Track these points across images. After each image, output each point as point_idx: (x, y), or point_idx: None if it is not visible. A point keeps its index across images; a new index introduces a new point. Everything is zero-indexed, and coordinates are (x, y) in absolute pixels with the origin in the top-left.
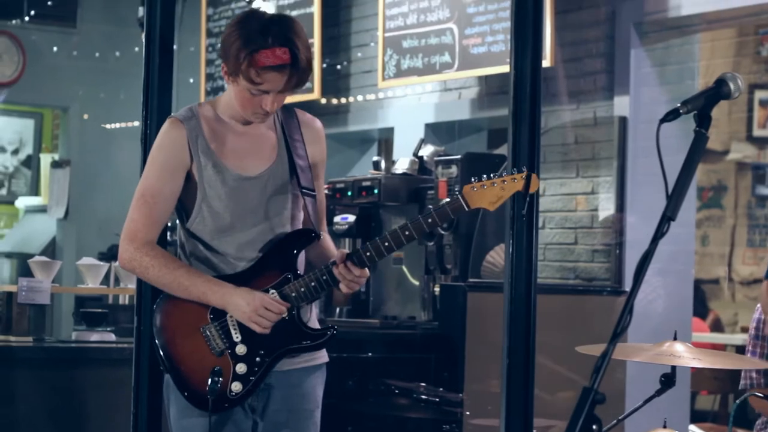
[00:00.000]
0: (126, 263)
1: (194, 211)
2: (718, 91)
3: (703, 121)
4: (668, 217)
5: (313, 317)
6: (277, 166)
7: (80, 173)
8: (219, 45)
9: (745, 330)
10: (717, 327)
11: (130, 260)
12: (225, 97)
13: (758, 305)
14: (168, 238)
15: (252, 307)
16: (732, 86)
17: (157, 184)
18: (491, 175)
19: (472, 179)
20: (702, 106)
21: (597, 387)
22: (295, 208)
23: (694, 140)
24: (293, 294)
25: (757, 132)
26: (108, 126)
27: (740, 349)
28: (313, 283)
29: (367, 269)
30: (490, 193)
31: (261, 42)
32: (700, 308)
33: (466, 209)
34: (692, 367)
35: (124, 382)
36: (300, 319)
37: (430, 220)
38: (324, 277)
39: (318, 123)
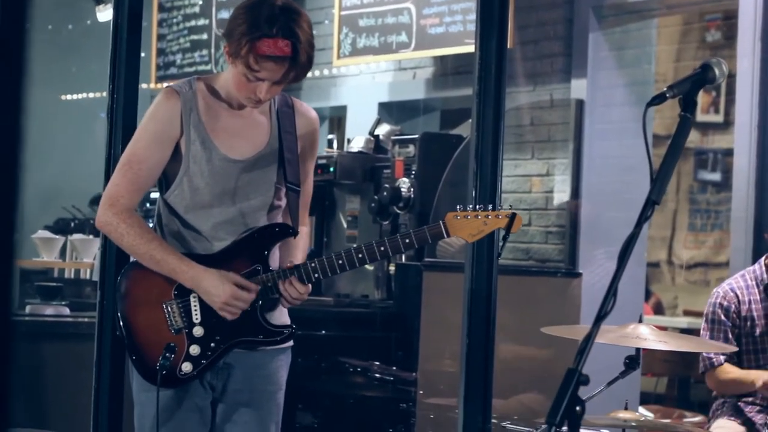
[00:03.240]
0: (102, 226)
1: (174, 183)
2: (704, 76)
3: (688, 106)
4: (653, 201)
5: (278, 311)
6: (265, 154)
7: (26, 145)
8: (171, 20)
9: (687, 313)
10: (658, 310)
11: (107, 224)
12: (224, 75)
13: (715, 290)
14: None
15: (225, 296)
16: (717, 71)
17: (145, 153)
18: (476, 207)
19: (458, 207)
20: (687, 91)
21: (581, 368)
22: (276, 199)
23: (679, 124)
24: (258, 286)
25: (701, 117)
26: (60, 98)
27: (683, 332)
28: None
29: (310, 286)
30: (472, 225)
31: (266, 30)
32: None
33: (446, 236)
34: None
35: (82, 356)
36: (261, 313)
37: (407, 241)
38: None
39: (313, 114)
